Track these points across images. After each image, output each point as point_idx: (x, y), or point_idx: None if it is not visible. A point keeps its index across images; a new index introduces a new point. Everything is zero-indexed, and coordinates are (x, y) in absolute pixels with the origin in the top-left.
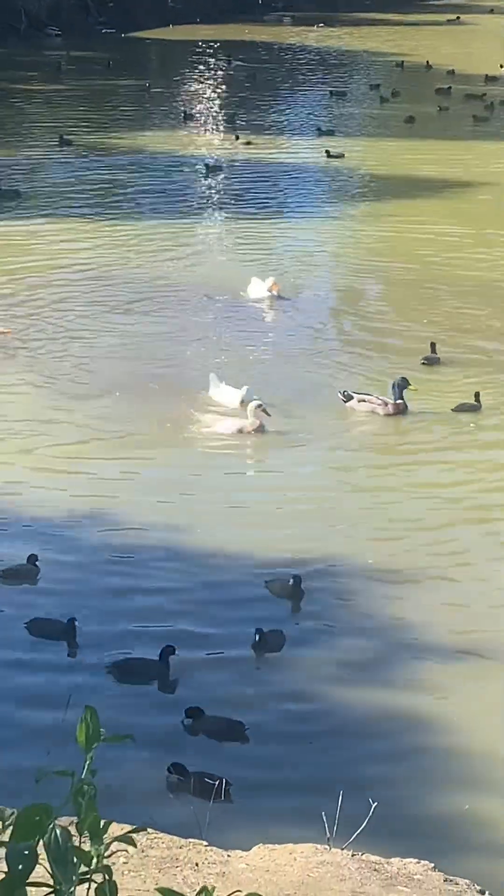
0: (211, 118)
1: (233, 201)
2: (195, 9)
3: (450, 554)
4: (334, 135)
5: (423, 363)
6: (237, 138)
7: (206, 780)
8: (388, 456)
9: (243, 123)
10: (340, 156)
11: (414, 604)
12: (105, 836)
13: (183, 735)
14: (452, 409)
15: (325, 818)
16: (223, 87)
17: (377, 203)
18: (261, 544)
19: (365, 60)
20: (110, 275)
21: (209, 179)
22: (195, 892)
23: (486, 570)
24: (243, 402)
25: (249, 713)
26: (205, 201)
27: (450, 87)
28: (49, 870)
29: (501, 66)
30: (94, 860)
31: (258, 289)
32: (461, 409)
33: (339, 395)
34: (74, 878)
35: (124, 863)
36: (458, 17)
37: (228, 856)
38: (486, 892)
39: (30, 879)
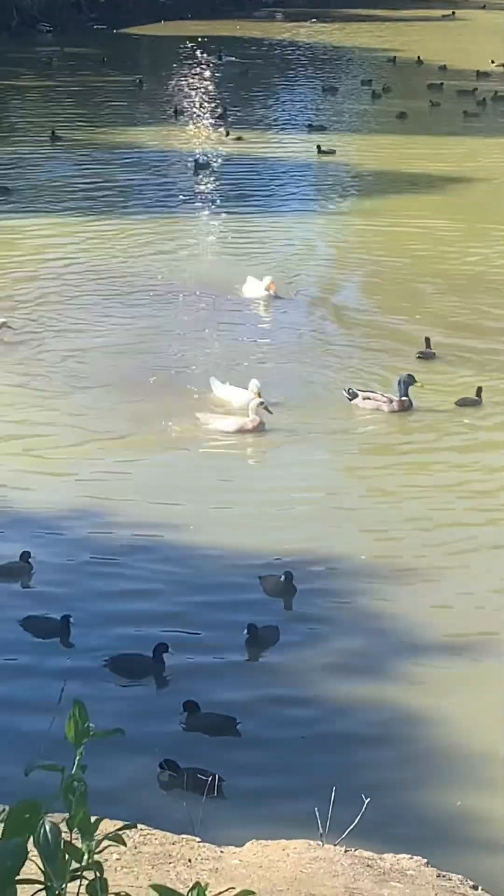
0: (202, 114)
1: (223, 197)
2: (186, 5)
3: (447, 553)
4: (326, 130)
5: (419, 357)
6: (227, 134)
7: (199, 775)
8: (388, 453)
9: (234, 119)
10: (332, 151)
11: (408, 602)
12: (96, 832)
13: (176, 731)
14: (455, 403)
15: (317, 814)
16: (214, 82)
17: (369, 198)
18: (256, 542)
19: (357, 56)
20: (101, 271)
21: (199, 175)
22: (188, 889)
23: (482, 569)
24: (259, 393)
25: (242, 709)
26: (195, 197)
27: (442, 83)
28: (39, 866)
29: (493, 62)
30: (85, 857)
31: (255, 288)
32: (463, 403)
33: (343, 392)
34: (65, 874)
35: (117, 859)
36: (452, 13)
37: (221, 852)
38: (479, 888)
39: (20, 876)
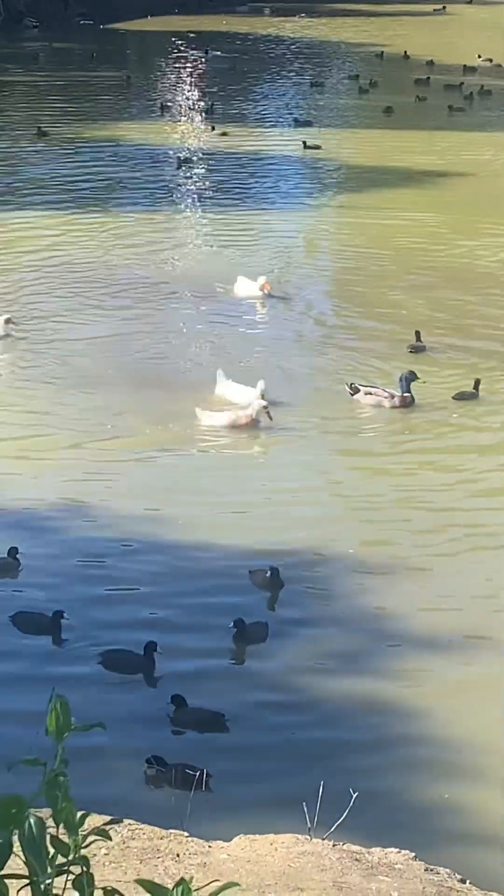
0: (188, 109)
1: (209, 192)
2: (173, 0)
3: (439, 551)
4: (312, 125)
5: (410, 351)
6: (213, 129)
7: (187, 770)
8: (384, 449)
9: (221, 114)
10: (317, 147)
11: (397, 598)
12: (83, 827)
13: (165, 726)
14: (453, 397)
15: (305, 808)
16: (201, 78)
17: (355, 193)
18: (248, 538)
19: (344, 51)
20: (87, 267)
21: (184, 171)
22: (176, 882)
23: (473, 567)
24: (263, 395)
25: (230, 704)
26: (181, 193)
27: (428, 78)
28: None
29: (479, 57)
30: (72, 851)
31: (248, 287)
32: (461, 397)
33: (346, 388)
34: (51, 869)
35: (105, 854)
36: (443, 7)
37: (209, 846)
38: (467, 881)
39: (5, 871)
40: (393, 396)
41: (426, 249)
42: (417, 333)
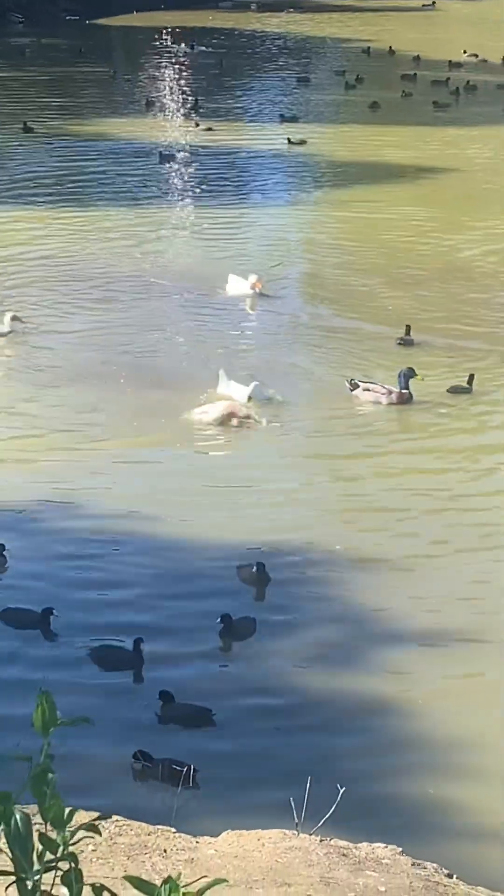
0: (173, 105)
1: (194, 189)
2: None
3: (425, 545)
4: (298, 121)
5: (399, 345)
6: (197, 125)
7: (175, 766)
8: (375, 445)
9: (206, 110)
10: (302, 142)
11: (384, 593)
12: (71, 824)
13: (152, 721)
14: (447, 391)
15: (293, 804)
16: (187, 73)
17: (340, 189)
18: (236, 533)
19: (331, 46)
20: (74, 263)
21: (168, 167)
22: (163, 880)
23: (459, 561)
24: (251, 398)
25: (217, 700)
26: (166, 189)
27: (415, 73)
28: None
29: (465, 52)
30: (60, 848)
31: (239, 286)
32: (455, 390)
33: (346, 383)
34: (38, 866)
35: (93, 850)
36: (433, 3)
37: (197, 842)
38: (454, 876)
39: None
40: (391, 393)
41: (412, 244)
42: (407, 327)
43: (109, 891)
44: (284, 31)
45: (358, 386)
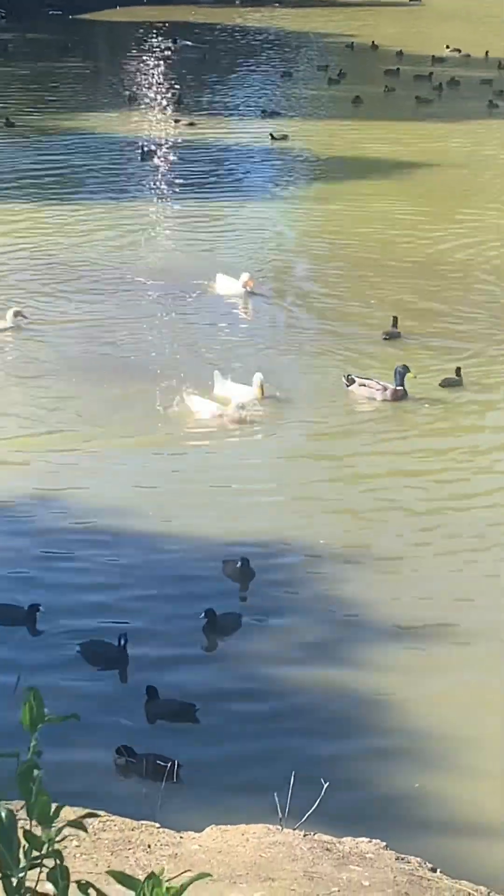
0: (156, 100)
1: (176, 184)
2: None
3: (409, 541)
4: (280, 116)
5: (385, 338)
6: (179, 120)
7: (158, 761)
8: (362, 441)
9: (188, 105)
10: (284, 137)
11: (368, 588)
12: (56, 820)
13: (137, 717)
14: (439, 384)
15: (277, 799)
16: (170, 68)
17: (323, 183)
18: (221, 529)
19: (314, 41)
20: (57, 259)
21: (149, 162)
22: (147, 875)
23: (442, 555)
24: (262, 388)
25: (202, 694)
26: (148, 184)
27: (398, 68)
28: None
29: (448, 48)
30: (45, 845)
31: (229, 285)
32: (447, 383)
33: (342, 379)
34: (24, 862)
35: (76, 846)
36: None
37: (181, 837)
38: (438, 870)
39: None
40: (385, 389)
41: (395, 238)
42: (394, 319)
43: (95, 887)
44: (267, 25)
45: (354, 381)
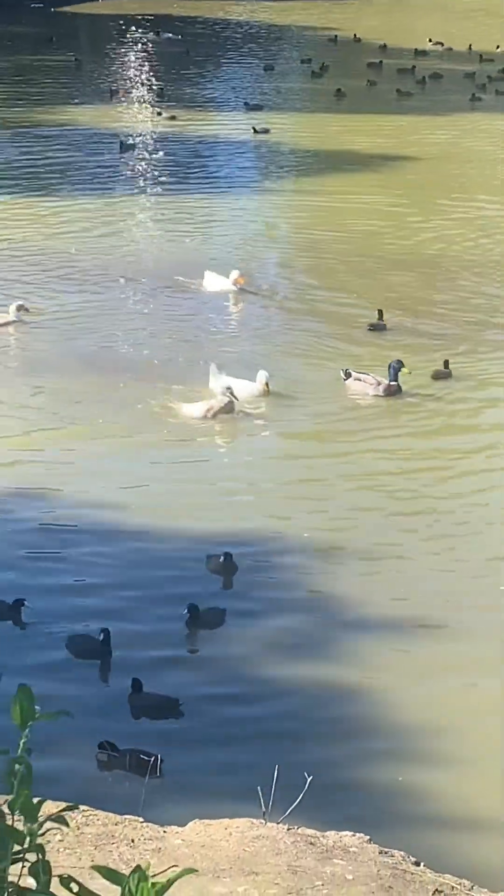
0: (138, 93)
1: (157, 178)
2: None
3: (393, 535)
4: (263, 109)
5: (370, 330)
6: (161, 113)
7: (141, 756)
8: (349, 435)
9: (171, 98)
10: (266, 130)
11: (350, 581)
12: (39, 814)
13: (120, 711)
14: (431, 377)
15: (260, 793)
16: (152, 61)
17: (306, 177)
18: (205, 523)
19: (297, 34)
20: (40, 254)
21: (129, 155)
22: (131, 869)
23: (426, 549)
24: (267, 384)
25: (185, 689)
26: (128, 178)
27: (381, 62)
28: None
29: (430, 41)
30: (28, 839)
31: (218, 282)
32: (438, 376)
33: (340, 373)
34: (7, 857)
35: (60, 840)
36: None
37: (164, 832)
38: (421, 864)
39: None
40: (379, 384)
41: (379, 231)
42: (379, 312)
43: (77, 882)
44: (249, 18)
45: (350, 376)
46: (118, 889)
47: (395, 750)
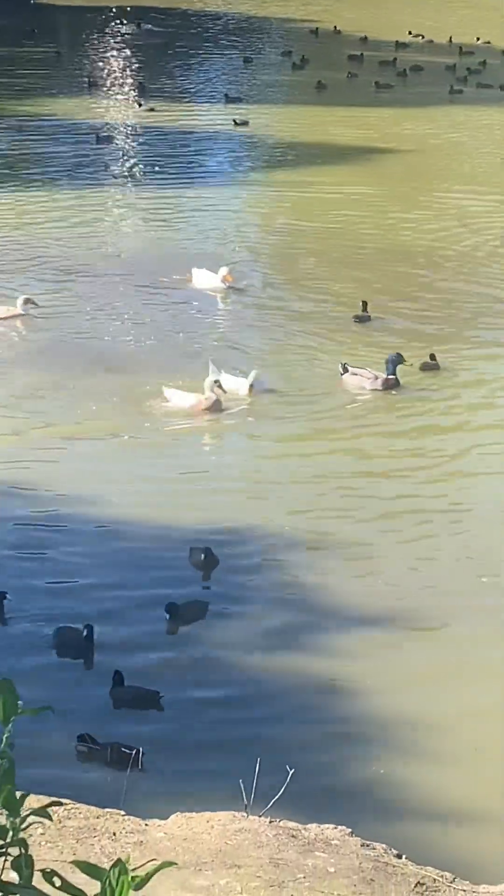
0: (117, 85)
1: (134, 170)
2: None
3: (375, 527)
4: (243, 101)
5: (355, 321)
6: (140, 105)
7: (123, 749)
8: (335, 429)
9: (150, 90)
10: (245, 122)
11: (332, 575)
12: (22, 808)
13: (102, 705)
14: (420, 368)
15: (242, 786)
16: (133, 53)
17: (287, 170)
18: (190, 517)
19: (279, 27)
20: (20, 247)
21: (107, 148)
22: (112, 863)
23: (406, 541)
24: (252, 388)
25: (166, 683)
26: (104, 170)
27: (362, 54)
28: None
29: (410, 33)
30: (10, 833)
31: (207, 279)
32: (426, 367)
33: (338, 367)
34: None
35: (41, 833)
36: None
37: (146, 825)
38: (403, 856)
39: None
40: (377, 378)
41: (360, 223)
42: (364, 304)
43: (60, 876)
44: (230, 10)
45: (348, 370)
46: (99, 883)
47: (377, 743)
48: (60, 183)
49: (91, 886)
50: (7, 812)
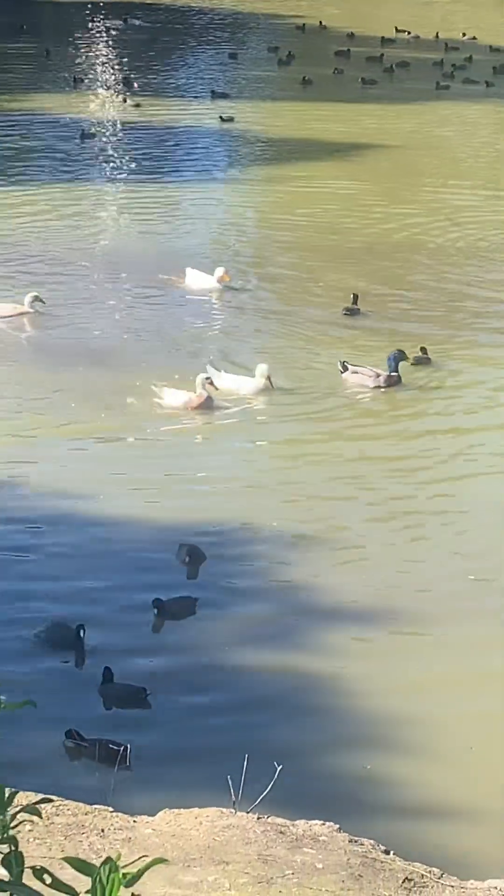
0: (103, 80)
1: (120, 166)
2: None
3: (363, 523)
4: (229, 97)
5: (345, 314)
6: (125, 101)
7: (111, 745)
8: (334, 426)
9: (136, 86)
10: (231, 119)
11: (320, 571)
12: (10, 805)
13: (90, 701)
14: (411, 364)
15: (230, 782)
16: (119, 49)
17: (273, 165)
18: (179, 514)
19: (265, 22)
20: (5, 243)
21: (92, 144)
22: (101, 859)
23: (398, 539)
24: (270, 380)
25: (153, 679)
26: (90, 167)
27: (348, 50)
28: None
29: (397, 29)
30: (0, 831)
31: (202, 280)
32: (418, 361)
33: (338, 365)
34: None
35: (30, 830)
36: None
37: (134, 821)
38: (391, 852)
39: None
40: (378, 376)
41: (348, 219)
42: (354, 297)
43: (50, 873)
44: (216, 5)
45: (347, 368)
46: (89, 879)
47: (364, 739)
48: (43, 178)
49: (80, 883)
50: None
